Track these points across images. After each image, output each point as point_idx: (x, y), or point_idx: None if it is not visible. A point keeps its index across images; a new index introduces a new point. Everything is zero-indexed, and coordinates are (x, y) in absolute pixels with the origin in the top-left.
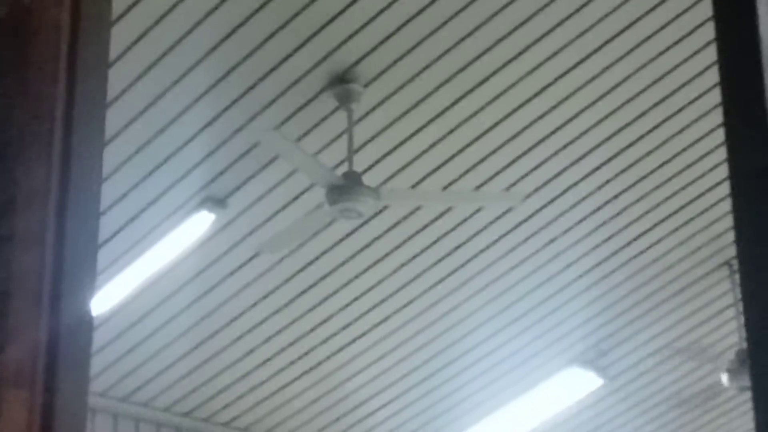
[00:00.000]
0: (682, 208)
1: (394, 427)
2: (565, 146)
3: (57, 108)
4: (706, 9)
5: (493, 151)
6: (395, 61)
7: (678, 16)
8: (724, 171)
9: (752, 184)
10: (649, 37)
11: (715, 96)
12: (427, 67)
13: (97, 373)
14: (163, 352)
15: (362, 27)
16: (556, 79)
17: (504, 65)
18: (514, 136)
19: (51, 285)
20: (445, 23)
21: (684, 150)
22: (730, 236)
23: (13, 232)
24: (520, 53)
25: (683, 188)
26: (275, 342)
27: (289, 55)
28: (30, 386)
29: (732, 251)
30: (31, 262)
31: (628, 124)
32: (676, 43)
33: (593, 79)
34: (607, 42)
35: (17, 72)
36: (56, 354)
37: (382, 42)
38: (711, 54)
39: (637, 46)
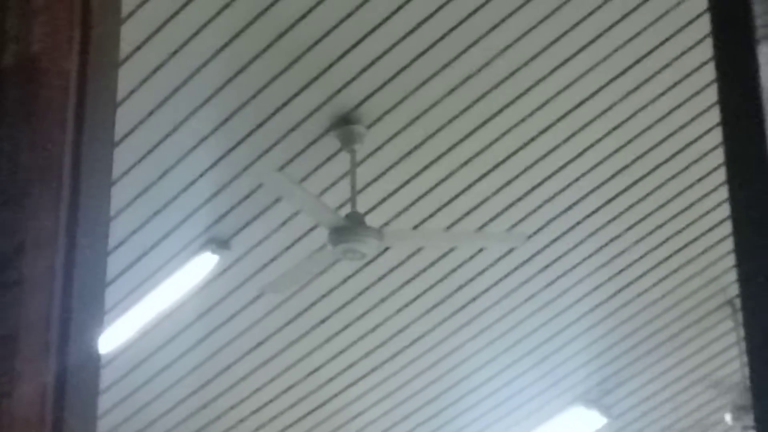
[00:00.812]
0: (684, 247)
1: None
2: (565, 187)
3: (65, 154)
4: (706, 51)
5: (495, 192)
6: (398, 103)
7: (678, 57)
8: (725, 210)
9: (755, 222)
10: (647, 80)
11: (716, 136)
12: (429, 108)
13: (101, 413)
14: (167, 393)
15: (364, 69)
16: (556, 122)
17: (504, 107)
18: (515, 177)
19: (58, 329)
20: (446, 66)
21: (685, 189)
22: (732, 275)
23: (21, 277)
24: (519, 96)
25: (685, 228)
26: (279, 382)
27: (293, 98)
28: (38, 431)
29: (734, 290)
30: (39, 307)
31: (628, 165)
32: (677, 84)
33: (593, 121)
34: (605, 85)
35: (25, 118)
36: (63, 398)
37: (384, 84)
38: (713, 93)
39: (636, 88)
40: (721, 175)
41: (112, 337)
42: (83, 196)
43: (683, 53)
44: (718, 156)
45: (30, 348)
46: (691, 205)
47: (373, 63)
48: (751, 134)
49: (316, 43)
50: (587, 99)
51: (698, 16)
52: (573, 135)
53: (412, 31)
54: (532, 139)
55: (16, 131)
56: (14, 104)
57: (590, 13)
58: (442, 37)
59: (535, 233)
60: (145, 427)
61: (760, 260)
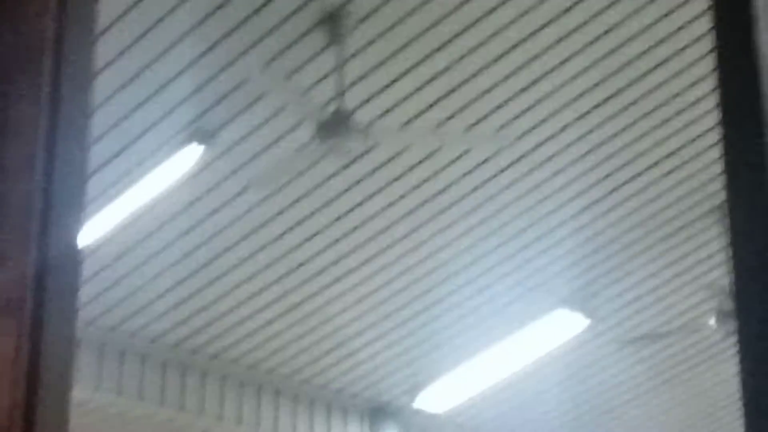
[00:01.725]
0: (673, 152)
1: (375, 367)
2: (555, 90)
3: (46, 40)
4: None
5: (484, 93)
6: (383, 2)
7: None
8: (714, 117)
9: (743, 128)
10: None
11: (707, 44)
12: (420, 5)
13: (84, 302)
14: (150, 284)
15: None
16: (547, 23)
17: (497, 6)
18: (504, 78)
19: (39, 216)
20: None
21: (676, 95)
22: (721, 182)
23: (1, 163)
24: None
25: (675, 133)
26: (261, 277)
27: None
28: (18, 315)
29: (723, 196)
30: (20, 193)
31: (618, 69)
32: None
33: (585, 23)
34: None
35: (6, 6)
36: (44, 284)
37: None
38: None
39: None
40: (710, 82)
41: (96, 228)
42: (65, 84)
43: None
44: (708, 63)
45: (10, 235)
46: (681, 111)
47: None
48: (743, 42)
49: None
50: (577, 2)
51: None
52: (562, 39)
53: None
54: (522, 41)
55: None
56: None
57: None
58: None
59: (522, 135)
60: (126, 317)
61: (747, 171)
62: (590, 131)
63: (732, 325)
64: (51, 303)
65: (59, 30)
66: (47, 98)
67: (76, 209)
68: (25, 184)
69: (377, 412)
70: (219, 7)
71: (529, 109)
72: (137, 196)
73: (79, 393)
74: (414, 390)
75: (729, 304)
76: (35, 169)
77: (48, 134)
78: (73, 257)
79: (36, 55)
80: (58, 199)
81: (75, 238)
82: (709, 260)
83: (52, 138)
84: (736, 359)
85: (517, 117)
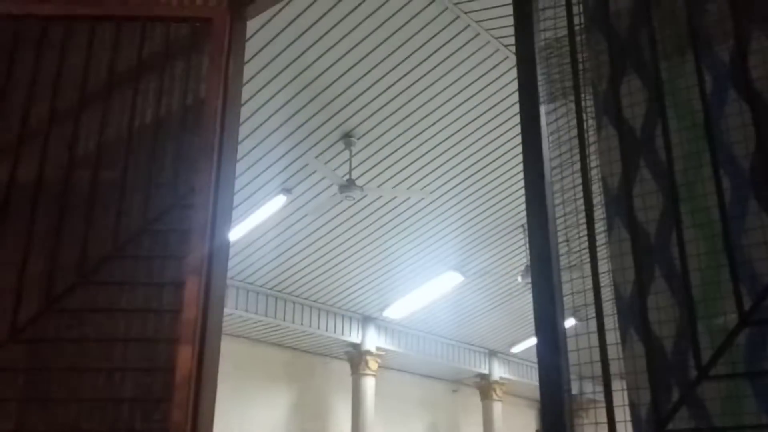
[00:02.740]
0: (494, 189)
1: (364, 295)
2: (441, 173)
3: (214, 150)
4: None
5: (414, 173)
6: (373, 127)
7: (498, 128)
8: (520, 166)
9: (538, 181)
10: (461, 117)
11: (518, 149)
12: (386, 132)
13: (229, 268)
14: (257, 262)
15: (359, 110)
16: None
17: (435, 121)
18: (425, 165)
19: (210, 227)
20: (396, 111)
21: (497, 159)
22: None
23: (193, 203)
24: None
25: (495, 179)
26: (315, 246)
27: (322, 125)
28: (199, 273)
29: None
30: (201, 218)
31: (462, 161)
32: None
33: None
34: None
35: (196, 131)
36: (212, 259)
37: (366, 119)
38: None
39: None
40: (518, 154)
41: (233, 235)
42: (223, 169)
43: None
44: (518, 154)
45: (197, 236)
46: (499, 167)
47: (362, 108)
48: (533, 155)
49: (335, 98)
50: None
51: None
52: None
53: (380, 95)
54: (438, 144)
55: (192, 137)
56: (191, 125)
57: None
58: (392, 98)
59: (434, 191)
60: (249, 275)
61: (536, 207)
62: (448, 182)
63: (529, 279)
64: (214, 268)
65: (221, 139)
66: (215, 175)
67: (227, 225)
68: (204, 214)
69: (365, 319)
70: (296, 130)
71: (436, 179)
72: (252, 221)
73: (227, 310)
74: (383, 307)
75: (528, 269)
76: (208, 205)
77: (215, 190)
78: (225, 247)
79: (208, 156)
80: (219, 220)
81: (226, 239)
82: (518, 250)
83: (216, 192)
84: (530, 296)
85: (432, 181)
